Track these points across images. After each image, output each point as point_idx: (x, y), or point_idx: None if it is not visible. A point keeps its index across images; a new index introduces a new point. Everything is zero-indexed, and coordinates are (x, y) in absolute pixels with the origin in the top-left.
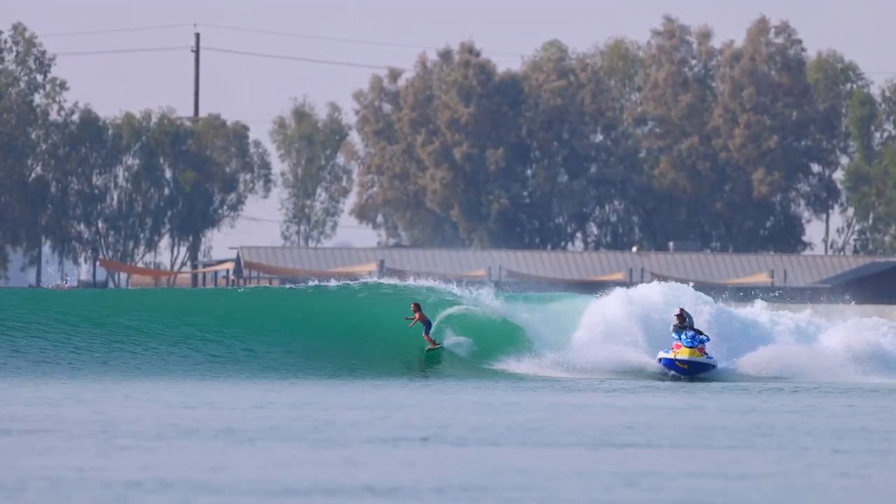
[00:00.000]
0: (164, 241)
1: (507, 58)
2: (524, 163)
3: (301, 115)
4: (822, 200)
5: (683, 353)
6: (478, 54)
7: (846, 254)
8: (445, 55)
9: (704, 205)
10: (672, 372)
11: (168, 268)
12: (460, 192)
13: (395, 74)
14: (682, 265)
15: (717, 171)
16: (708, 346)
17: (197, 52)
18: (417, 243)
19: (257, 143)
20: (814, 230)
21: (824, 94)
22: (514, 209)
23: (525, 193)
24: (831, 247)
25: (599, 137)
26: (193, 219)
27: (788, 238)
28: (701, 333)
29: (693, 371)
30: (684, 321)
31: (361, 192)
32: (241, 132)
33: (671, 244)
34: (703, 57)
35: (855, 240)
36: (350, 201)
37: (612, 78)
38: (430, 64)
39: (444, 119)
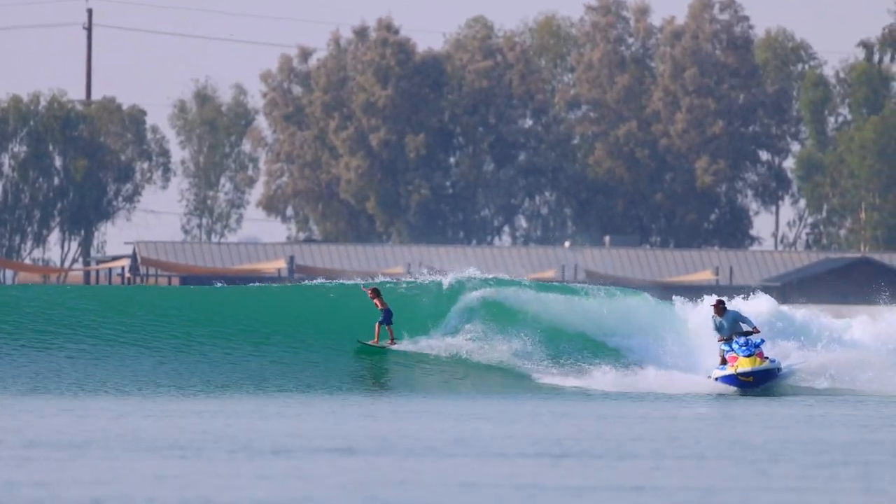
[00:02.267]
0: (54, 236)
1: (429, 36)
2: (447, 150)
3: (203, 97)
4: (772, 191)
5: (744, 365)
6: (396, 32)
7: (797, 249)
8: (361, 33)
9: (643, 196)
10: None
11: (58, 265)
12: (377, 183)
13: (305, 54)
14: (618, 262)
15: (656, 160)
16: (764, 347)
17: (89, 29)
18: (330, 238)
19: (155, 129)
20: (762, 223)
21: (773, 76)
22: (435, 201)
23: (448, 184)
24: (781, 242)
25: (529, 123)
26: (85, 211)
27: (735, 232)
28: (749, 334)
29: (760, 382)
30: (724, 312)
31: (269, 183)
32: (137, 117)
33: (607, 239)
34: (642, 35)
35: (807, 234)
36: (257, 192)
37: (543, 58)
38: (344, 42)
39: (360, 102)
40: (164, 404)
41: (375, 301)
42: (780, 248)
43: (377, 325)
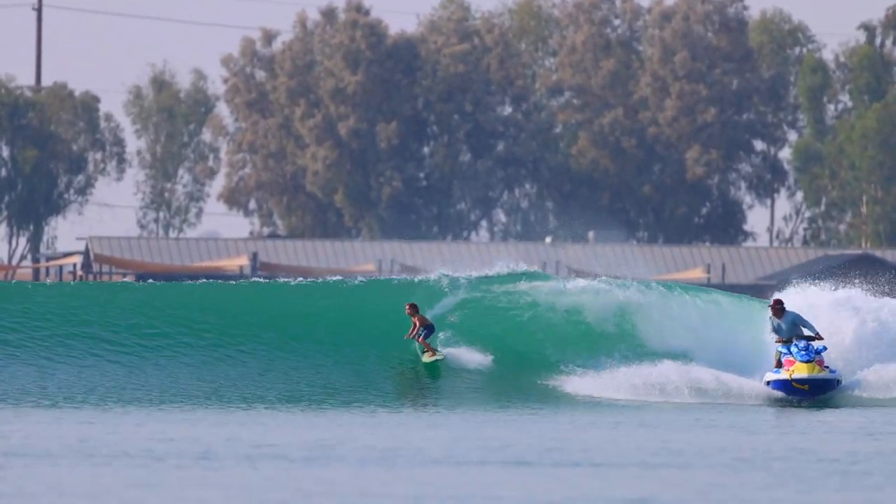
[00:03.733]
0: (1, 231)
1: (401, 17)
2: (420, 140)
3: (160, 83)
4: (767, 183)
5: (800, 370)
6: (367, 13)
7: (794, 246)
8: (328, 14)
9: (630, 188)
10: (786, 395)
11: (6, 262)
12: (346, 174)
13: (269, 36)
14: (603, 258)
15: (644, 150)
16: (825, 356)
17: (39, 10)
18: (296, 233)
19: (109, 117)
20: (757, 218)
21: (769, 60)
22: (408, 194)
23: (421, 175)
24: (777, 237)
25: (508, 110)
26: (35, 205)
27: (727, 227)
28: (812, 339)
29: (815, 391)
30: (782, 314)
31: (231, 174)
32: (90, 103)
33: (591, 234)
34: (629, 16)
35: (805, 229)
36: (217, 184)
37: (523, 41)
38: (311, 24)
39: (328, 89)
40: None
41: (414, 319)
42: (775, 244)
43: (421, 339)
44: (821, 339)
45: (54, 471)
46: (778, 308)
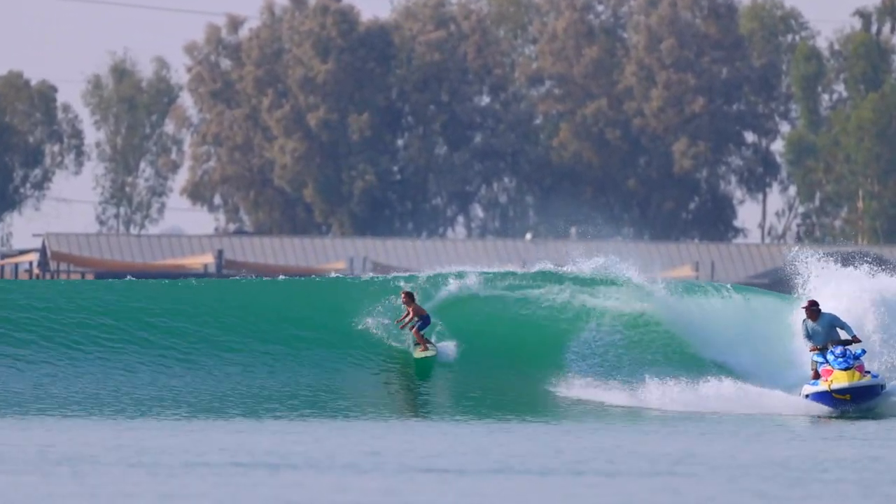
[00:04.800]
0: None
1: (374, 3)
2: (394, 131)
3: (120, 72)
4: (758, 177)
5: (840, 380)
6: None
7: (787, 242)
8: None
9: (614, 182)
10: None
11: None
12: (316, 168)
13: (235, 23)
14: (586, 256)
15: (629, 142)
16: (865, 360)
17: None
18: (263, 230)
19: (67, 107)
20: (747, 213)
21: (760, 48)
22: (381, 188)
23: (395, 169)
24: (769, 234)
25: (486, 100)
26: None
27: (717, 223)
28: (849, 343)
29: (858, 400)
30: (818, 316)
31: (195, 168)
32: (47, 93)
33: (573, 230)
34: (613, 2)
35: (798, 225)
36: (181, 178)
37: (502, 28)
38: (279, 10)
39: (297, 78)
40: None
41: (409, 308)
42: (767, 241)
43: (415, 331)
44: (858, 341)
45: None
46: (813, 310)
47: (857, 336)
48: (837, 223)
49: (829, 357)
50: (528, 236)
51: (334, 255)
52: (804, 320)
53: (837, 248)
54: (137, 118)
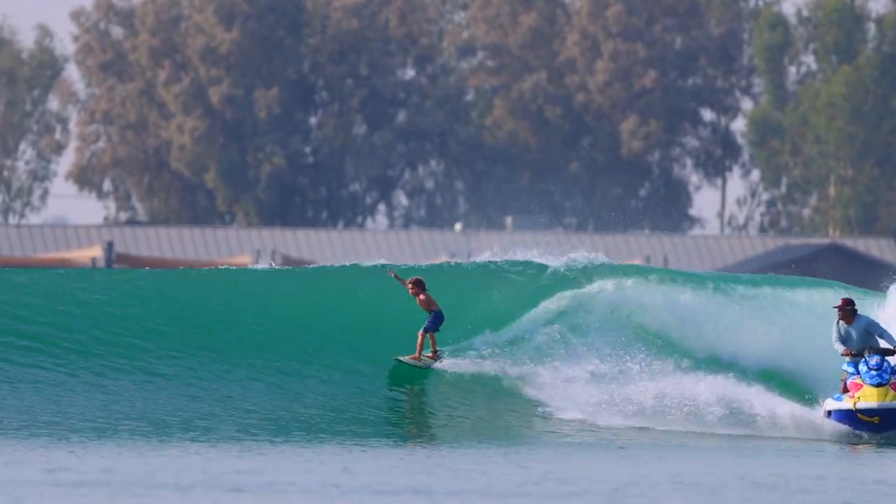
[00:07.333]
0: None
1: None
2: (306, 108)
3: None
4: (717, 160)
5: (869, 398)
6: None
7: (749, 234)
8: None
9: (555, 166)
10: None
11: None
12: (218, 149)
13: None
14: (524, 248)
15: (571, 120)
16: None
17: None
18: (159, 219)
19: None
20: (705, 201)
21: (719, 15)
22: (292, 172)
23: (307, 150)
24: (729, 224)
25: (410, 73)
26: None
27: (670, 211)
28: (890, 353)
29: (888, 424)
30: (853, 318)
31: (82, 149)
32: None
33: (509, 220)
34: None
35: (762, 214)
36: (66, 161)
37: None
38: None
39: (197, 48)
40: None
41: (419, 298)
42: (727, 231)
43: (420, 333)
44: None
45: None
46: (848, 310)
47: None
48: (806, 212)
49: (862, 368)
50: (458, 227)
51: (238, 247)
52: (837, 322)
53: (806, 239)
54: (17, 93)
